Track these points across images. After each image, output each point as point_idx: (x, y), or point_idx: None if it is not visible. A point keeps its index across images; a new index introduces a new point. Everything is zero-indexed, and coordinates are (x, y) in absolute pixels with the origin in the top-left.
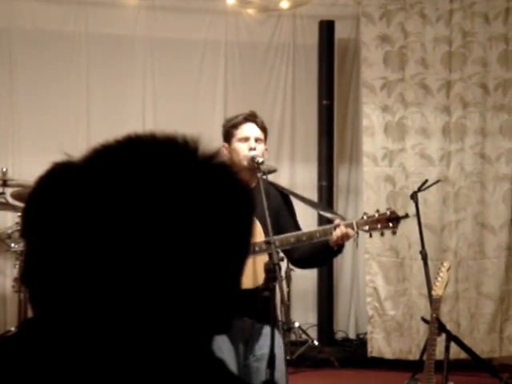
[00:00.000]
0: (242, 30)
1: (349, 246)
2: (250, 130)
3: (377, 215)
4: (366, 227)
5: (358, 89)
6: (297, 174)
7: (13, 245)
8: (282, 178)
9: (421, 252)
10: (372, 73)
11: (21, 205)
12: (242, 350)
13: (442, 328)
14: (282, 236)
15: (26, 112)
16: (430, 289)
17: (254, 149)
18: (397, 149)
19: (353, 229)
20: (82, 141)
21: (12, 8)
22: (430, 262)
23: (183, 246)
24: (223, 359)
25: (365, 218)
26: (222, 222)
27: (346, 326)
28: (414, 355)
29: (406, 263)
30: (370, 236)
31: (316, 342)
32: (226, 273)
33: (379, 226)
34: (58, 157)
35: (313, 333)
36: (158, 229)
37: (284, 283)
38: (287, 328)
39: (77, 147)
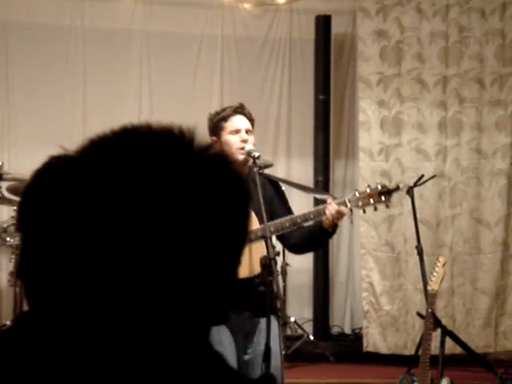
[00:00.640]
0: (238, 24)
1: (344, 240)
2: (240, 121)
3: (368, 190)
4: (360, 203)
5: (355, 84)
6: (293, 169)
7: (8, 239)
8: (278, 173)
9: (416, 247)
10: (368, 68)
11: (16, 199)
12: (242, 344)
13: (437, 323)
14: (277, 221)
15: (22, 106)
16: (425, 284)
17: (247, 140)
18: (393, 144)
19: (346, 206)
20: (78, 135)
21: (8, 1)
22: (425, 257)
23: (180, 236)
24: (221, 352)
25: (357, 194)
26: (219, 213)
27: (341, 320)
28: (410, 350)
29: (402, 258)
30: (364, 212)
31: (311, 337)
32: (222, 263)
33: (372, 200)
34: (54, 151)
35: (308, 327)
36: (154, 220)
37: (280, 278)
38: (283, 323)
39: (73, 141)
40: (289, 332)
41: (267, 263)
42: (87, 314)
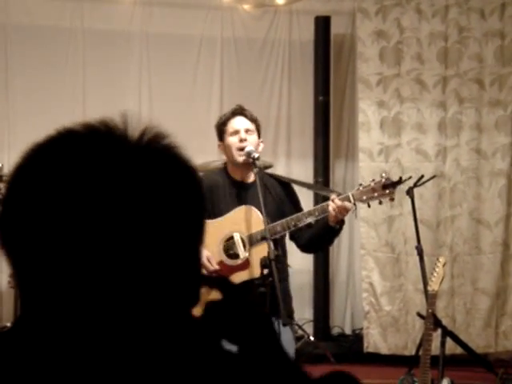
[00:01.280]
0: (237, 25)
1: (345, 240)
2: (238, 122)
3: (372, 184)
4: (364, 197)
5: (354, 84)
6: (293, 170)
7: None
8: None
9: (416, 247)
10: (368, 68)
11: None
12: None
13: (437, 323)
14: (283, 220)
15: (22, 107)
16: (425, 284)
17: (245, 140)
18: (393, 144)
19: (349, 201)
20: None
21: (8, 3)
22: (425, 258)
23: (125, 231)
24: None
25: (360, 188)
26: (162, 200)
27: (341, 321)
28: (410, 350)
29: (402, 259)
30: (369, 206)
31: (312, 338)
32: (181, 251)
33: (376, 194)
34: None
35: (309, 328)
36: (98, 220)
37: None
38: (283, 323)
39: None
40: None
41: (267, 264)
42: (67, 311)
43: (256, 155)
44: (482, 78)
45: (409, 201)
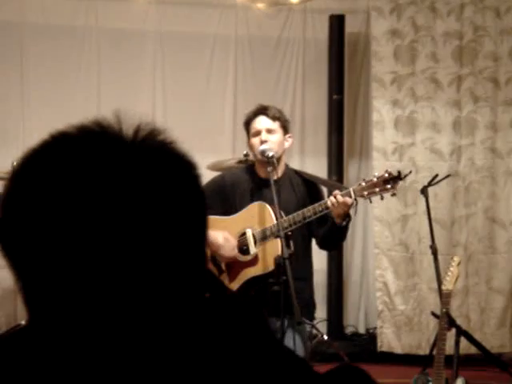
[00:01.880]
0: (251, 24)
1: (359, 240)
2: (259, 123)
3: (375, 179)
4: (365, 192)
5: (369, 83)
6: (307, 169)
7: None
8: None
9: (431, 247)
10: (382, 67)
11: None
12: None
13: (451, 323)
14: (290, 216)
15: (37, 106)
16: (439, 283)
17: (265, 141)
18: (407, 143)
19: (350, 197)
20: None
21: (23, 2)
22: (440, 257)
23: (133, 235)
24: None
25: (363, 184)
26: (161, 198)
27: (355, 320)
28: (424, 350)
29: (416, 258)
30: (370, 202)
31: (326, 337)
32: (182, 247)
33: (377, 189)
34: None
35: (322, 327)
36: (92, 223)
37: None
38: (297, 323)
39: None
40: None
41: (281, 263)
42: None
43: (270, 154)
44: (497, 76)
45: (423, 200)
